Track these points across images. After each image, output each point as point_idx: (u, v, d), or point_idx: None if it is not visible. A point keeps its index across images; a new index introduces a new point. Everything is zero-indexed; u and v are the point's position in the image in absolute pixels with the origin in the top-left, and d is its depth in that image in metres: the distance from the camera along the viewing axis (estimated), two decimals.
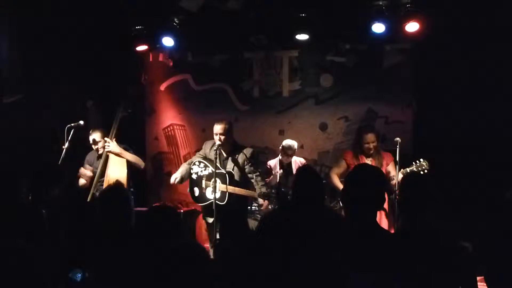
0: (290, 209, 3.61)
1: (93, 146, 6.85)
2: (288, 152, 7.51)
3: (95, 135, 6.80)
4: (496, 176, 6.70)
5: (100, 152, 6.80)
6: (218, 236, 6.46)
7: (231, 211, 5.08)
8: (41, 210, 3.68)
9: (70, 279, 3.19)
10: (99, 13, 7.66)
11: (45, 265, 2.06)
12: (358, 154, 6.54)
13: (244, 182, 6.76)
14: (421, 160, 6.20)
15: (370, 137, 6.48)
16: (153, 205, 5.84)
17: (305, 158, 7.85)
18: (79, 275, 3.29)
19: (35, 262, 2.05)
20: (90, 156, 7.01)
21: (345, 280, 2.88)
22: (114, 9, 7.66)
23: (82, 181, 6.90)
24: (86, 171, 6.86)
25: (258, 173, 6.80)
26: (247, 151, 6.78)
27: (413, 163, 6.23)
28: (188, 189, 6.94)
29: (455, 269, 3.09)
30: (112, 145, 6.65)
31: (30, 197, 4.05)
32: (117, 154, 6.65)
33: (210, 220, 6.74)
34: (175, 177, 6.77)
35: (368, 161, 6.42)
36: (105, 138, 6.70)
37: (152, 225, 3.32)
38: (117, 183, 4.15)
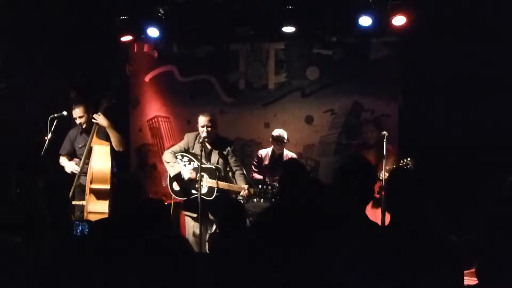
0: (281, 207, 3.57)
1: (76, 121, 6.79)
2: (279, 140, 7.46)
3: (78, 110, 6.77)
4: (483, 169, 6.75)
5: (84, 126, 6.76)
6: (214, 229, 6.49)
7: (232, 203, 4.99)
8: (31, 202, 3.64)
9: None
10: (83, 3, 7.56)
11: (36, 258, 2.02)
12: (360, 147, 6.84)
13: (227, 176, 6.75)
14: (408, 159, 6.27)
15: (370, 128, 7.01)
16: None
17: (290, 151, 7.80)
18: (80, 228, 3.26)
19: (27, 256, 2.01)
20: (72, 132, 6.98)
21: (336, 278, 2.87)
22: None
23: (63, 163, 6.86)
24: (70, 167, 6.81)
25: (239, 168, 6.79)
26: (230, 145, 6.77)
27: (400, 161, 6.35)
28: (166, 182, 6.90)
29: (442, 263, 3.07)
30: (101, 118, 6.64)
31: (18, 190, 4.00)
32: (104, 139, 6.65)
33: (194, 215, 6.71)
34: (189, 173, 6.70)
35: (370, 154, 6.57)
36: (94, 116, 6.67)
37: (141, 218, 3.28)
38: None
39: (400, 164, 6.36)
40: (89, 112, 6.78)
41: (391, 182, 3.43)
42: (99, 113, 6.69)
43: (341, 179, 3.37)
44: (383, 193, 5.73)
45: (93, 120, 6.68)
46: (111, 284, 2.75)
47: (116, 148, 6.74)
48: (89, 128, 6.78)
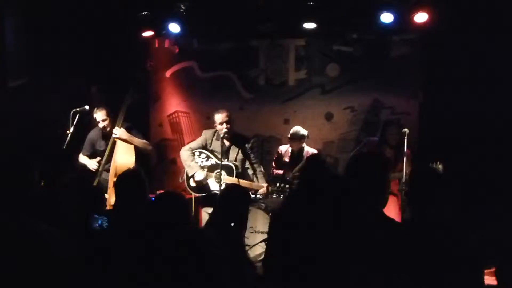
0: (299, 202, 3.57)
1: (99, 124, 6.83)
2: (294, 137, 7.44)
3: (100, 114, 6.78)
4: (504, 168, 6.70)
5: (107, 130, 6.79)
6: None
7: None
8: (56, 196, 3.68)
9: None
10: None
11: (63, 248, 2.05)
12: (381, 145, 6.77)
13: (245, 172, 6.77)
14: (438, 162, 6.25)
15: (393, 129, 6.82)
16: (160, 191, 5.86)
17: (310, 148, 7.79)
18: (99, 221, 3.30)
19: (54, 245, 2.04)
20: (93, 134, 7.00)
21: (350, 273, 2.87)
22: None
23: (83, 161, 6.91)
24: (92, 164, 6.84)
25: (258, 165, 6.83)
26: (249, 141, 6.80)
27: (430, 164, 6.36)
28: (183, 178, 6.95)
29: (461, 262, 3.06)
30: (120, 132, 6.64)
31: (43, 183, 4.04)
32: (125, 141, 6.65)
33: (210, 210, 6.76)
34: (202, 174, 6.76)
35: (390, 152, 6.61)
36: (113, 130, 6.68)
37: (162, 212, 3.30)
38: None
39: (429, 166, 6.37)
40: (111, 115, 6.81)
41: (414, 180, 3.42)
42: (117, 127, 6.71)
43: (351, 174, 3.38)
44: (404, 190, 5.74)
45: (113, 135, 6.71)
46: (136, 277, 2.78)
47: (144, 152, 6.84)
48: (110, 133, 6.79)
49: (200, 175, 6.74)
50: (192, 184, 6.86)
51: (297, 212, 3.44)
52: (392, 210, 6.50)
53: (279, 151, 7.70)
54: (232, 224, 4.05)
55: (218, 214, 4.24)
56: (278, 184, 6.68)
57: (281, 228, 3.35)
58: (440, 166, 6.19)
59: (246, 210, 4.28)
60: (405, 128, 6.63)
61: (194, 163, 6.80)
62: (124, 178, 4.00)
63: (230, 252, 3.42)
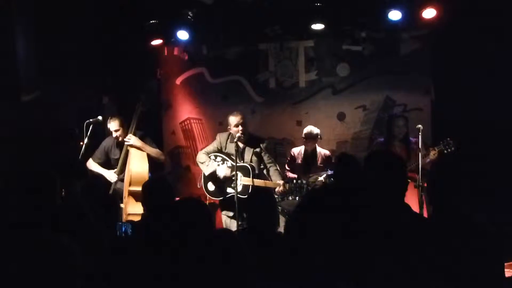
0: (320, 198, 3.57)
1: (112, 134, 6.86)
2: (309, 136, 7.44)
3: (114, 124, 6.81)
4: None
5: (120, 139, 6.82)
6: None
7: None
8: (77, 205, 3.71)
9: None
10: (114, 8, 7.66)
11: (81, 258, 2.06)
12: (388, 141, 6.73)
13: (262, 173, 6.78)
14: (448, 139, 6.27)
15: (399, 121, 6.77)
16: (176, 199, 5.87)
17: (323, 148, 7.76)
18: (123, 228, 3.32)
19: (73, 255, 2.05)
20: (108, 142, 7.03)
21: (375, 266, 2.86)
22: (128, 4, 7.67)
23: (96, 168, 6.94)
24: (112, 176, 6.87)
25: (273, 164, 6.81)
26: (263, 142, 6.80)
27: (441, 142, 6.33)
28: (201, 184, 6.96)
29: (483, 255, 3.06)
30: (133, 140, 6.67)
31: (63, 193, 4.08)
32: (138, 149, 6.68)
33: (231, 214, 6.75)
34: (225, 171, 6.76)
35: (399, 146, 6.59)
36: (126, 138, 6.71)
37: (183, 217, 3.30)
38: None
39: (441, 144, 6.35)
40: (125, 125, 6.84)
41: (435, 174, 3.43)
42: (130, 134, 6.74)
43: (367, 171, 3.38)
44: (425, 184, 5.71)
45: (125, 142, 6.74)
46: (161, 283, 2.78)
47: (157, 161, 6.88)
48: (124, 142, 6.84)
49: (222, 171, 6.74)
50: (211, 188, 6.87)
51: (318, 208, 3.43)
52: (412, 205, 6.49)
53: (292, 153, 7.70)
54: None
55: (250, 220, 4.32)
56: (295, 181, 6.67)
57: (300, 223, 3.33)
58: (451, 142, 6.24)
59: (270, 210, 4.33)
60: (412, 124, 6.65)
61: (212, 163, 6.81)
62: (151, 186, 4.04)
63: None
